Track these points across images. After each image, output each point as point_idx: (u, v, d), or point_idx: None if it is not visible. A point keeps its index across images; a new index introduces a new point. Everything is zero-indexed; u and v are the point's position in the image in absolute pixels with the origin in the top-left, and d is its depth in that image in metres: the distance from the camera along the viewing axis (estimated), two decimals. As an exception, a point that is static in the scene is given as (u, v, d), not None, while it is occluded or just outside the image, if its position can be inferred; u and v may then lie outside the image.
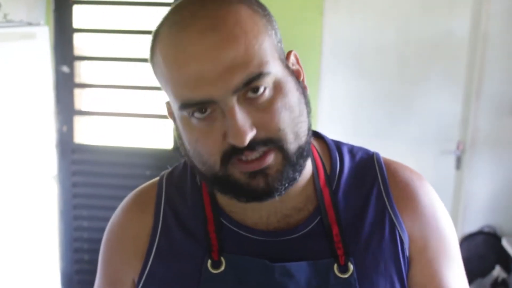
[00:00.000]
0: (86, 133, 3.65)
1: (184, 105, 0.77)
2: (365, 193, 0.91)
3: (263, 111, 0.77)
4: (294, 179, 0.81)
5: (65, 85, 3.47)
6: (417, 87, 3.36)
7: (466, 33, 3.29)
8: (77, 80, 3.52)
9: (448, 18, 3.30)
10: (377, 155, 0.96)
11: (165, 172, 0.99)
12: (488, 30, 3.22)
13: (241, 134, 0.74)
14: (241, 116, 0.75)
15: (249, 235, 0.88)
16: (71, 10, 3.40)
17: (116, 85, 3.57)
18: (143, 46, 3.54)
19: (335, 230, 0.87)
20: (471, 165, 3.38)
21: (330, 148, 0.95)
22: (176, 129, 0.85)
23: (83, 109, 3.59)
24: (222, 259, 0.86)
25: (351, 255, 0.86)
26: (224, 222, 0.89)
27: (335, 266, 0.86)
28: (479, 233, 3.37)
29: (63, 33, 3.42)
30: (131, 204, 0.97)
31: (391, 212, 0.89)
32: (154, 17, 3.51)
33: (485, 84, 3.28)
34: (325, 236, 0.87)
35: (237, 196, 0.82)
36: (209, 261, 0.87)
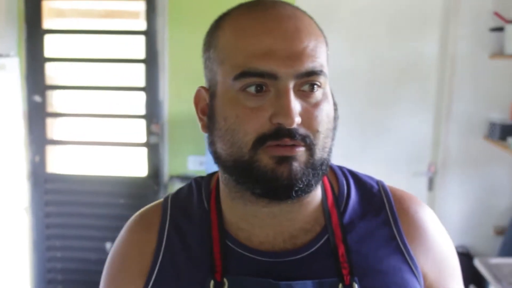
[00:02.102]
0: (58, 162, 3.62)
1: (244, 73, 0.79)
2: (372, 217, 0.92)
3: (310, 108, 0.80)
4: (311, 185, 0.82)
5: (37, 115, 3.45)
6: (388, 109, 3.41)
7: (435, 55, 3.36)
8: (49, 109, 3.50)
9: (418, 41, 3.36)
10: (382, 183, 0.98)
11: (169, 194, 1.00)
12: (456, 52, 3.28)
13: (292, 114, 0.77)
14: (294, 100, 0.78)
15: (254, 256, 0.88)
16: (42, 39, 3.41)
17: (88, 114, 3.56)
18: (114, 74, 3.54)
19: (341, 250, 0.88)
20: (443, 186, 3.42)
21: (336, 173, 0.97)
22: (210, 110, 0.86)
23: (55, 139, 3.56)
24: (225, 280, 0.86)
25: (356, 275, 0.87)
26: (230, 244, 0.89)
27: (340, 285, 0.86)
28: (454, 253, 3.39)
29: (35, 62, 3.41)
30: (135, 224, 0.98)
31: (399, 240, 0.91)
32: (124, 45, 3.53)
33: (455, 106, 3.34)
34: (331, 256, 0.87)
35: (254, 187, 0.82)
36: (212, 282, 0.86)
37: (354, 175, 0.98)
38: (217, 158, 0.86)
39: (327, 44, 0.86)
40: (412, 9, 3.33)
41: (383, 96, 3.40)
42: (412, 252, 0.90)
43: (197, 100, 0.90)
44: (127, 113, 3.57)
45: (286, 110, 0.77)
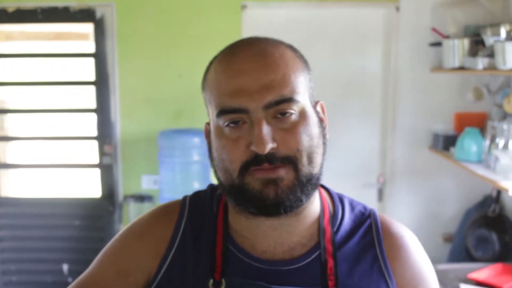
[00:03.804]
0: (11, 186, 3.60)
1: (222, 111, 0.89)
2: (360, 239, 1.01)
3: (286, 131, 0.89)
4: (301, 201, 0.91)
5: (-12, 139, 3.43)
6: (335, 124, 3.49)
7: (378, 70, 3.46)
8: (1, 133, 3.49)
9: (361, 57, 3.46)
10: (373, 210, 1.06)
11: (187, 195, 1.08)
12: (398, 67, 3.40)
13: (263, 142, 0.86)
14: (266, 128, 0.87)
15: (253, 263, 0.97)
16: (-9, 64, 3.39)
17: (41, 137, 3.56)
18: (66, 96, 3.55)
19: (330, 263, 0.97)
20: (392, 196, 3.52)
21: (334, 198, 1.06)
22: (209, 144, 0.97)
23: (7, 162, 3.55)
24: (223, 280, 0.95)
25: (340, 287, 0.96)
26: (232, 249, 0.98)
27: None
28: (404, 261, 3.49)
29: (-16, 86, 3.40)
30: (159, 211, 1.06)
31: (381, 261, 0.99)
32: (74, 67, 3.54)
33: (400, 118, 3.45)
34: (320, 269, 0.96)
35: (248, 207, 0.91)
36: (211, 280, 0.96)
37: (350, 202, 1.08)
38: (219, 184, 0.96)
39: (305, 68, 0.96)
40: (354, 27, 3.43)
41: (330, 111, 3.43)
42: (391, 272, 0.99)
43: (206, 134, 1.00)
44: (79, 135, 3.58)
45: (258, 139, 0.86)
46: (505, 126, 2.85)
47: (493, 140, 2.94)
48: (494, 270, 2.73)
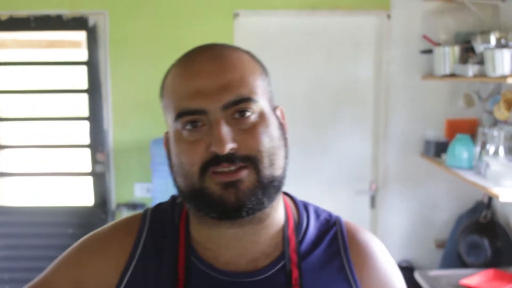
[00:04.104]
0: (4, 195, 3.59)
1: (180, 114, 0.88)
2: (326, 248, 0.99)
3: (246, 131, 0.87)
4: (262, 203, 0.88)
5: (-20, 148, 3.43)
6: (328, 131, 3.51)
7: (370, 78, 3.49)
8: (-7, 141, 3.49)
9: (353, 65, 3.48)
10: (339, 218, 1.05)
11: (149, 207, 1.05)
12: (389, 74, 3.42)
13: (222, 142, 0.84)
14: (225, 128, 0.85)
15: (216, 275, 0.94)
16: (-17, 72, 3.39)
17: (33, 145, 3.55)
18: (58, 104, 3.55)
19: (295, 274, 0.94)
20: (384, 203, 3.54)
21: (298, 206, 1.04)
22: (168, 152, 0.95)
23: (0, 170, 3.54)
24: None
25: None
26: (194, 260, 0.95)
27: None
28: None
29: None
30: (119, 223, 1.03)
31: (347, 270, 0.98)
32: (67, 75, 3.55)
33: (391, 125, 3.47)
34: (285, 280, 0.94)
35: (209, 212, 0.89)
36: None
37: (315, 209, 1.06)
38: (179, 191, 0.93)
39: (263, 73, 0.95)
40: (346, 34, 3.45)
41: (323, 118, 3.50)
42: (358, 281, 0.98)
43: (166, 142, 0.97)
44: (72, 143, 3.58)
45: (217, 139, 0.84)
46: (495, 132, 2.88)
47: (483, 146, 2.96)
48: (486, 276, 2.75)
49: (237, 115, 0.87)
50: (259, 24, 3.41)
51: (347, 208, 3.56)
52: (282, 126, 0.95)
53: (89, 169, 3.48)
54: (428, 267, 3.47)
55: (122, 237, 0.99)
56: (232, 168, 0.86)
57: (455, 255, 3.30)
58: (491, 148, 2.87)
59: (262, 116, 0.89)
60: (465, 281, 2.68)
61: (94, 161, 3.45)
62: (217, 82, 0.87)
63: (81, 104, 3.46)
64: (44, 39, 3.57)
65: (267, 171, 0.87)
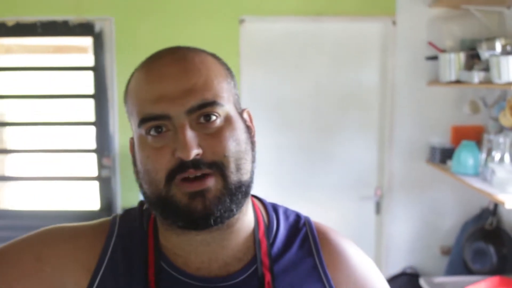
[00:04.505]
0: (10, 198, 3.61)
1: (143, 119, 0.86)
2: (297, 250, 0.98)
3: (212, 136, 0.85)
4: (231, 210, 0.87)
5: (-13, 152, 3.45)
6: (333, 137, 3.51)
7: (375, 84, 3.49)
8: (0, 146, 3.50)
9: (358, 71, 3.48)
10: (308, 218, 1.04)
11: (117, 214, 1.03)
12: (395, 80, 3.42)
13: (187, 148, 0.82)
14: (190, 134, 0.83)
15: (188, 281, 0.92)
16: (-10, 77, 3.41)
17: (39, 149, 3.57)
18: (64, 108, 3.57)
19: (268, 278, 0.93)
20: (389, 209, 3.53)
21: (267, 208, 1.03)
22: (133, 157, 0.92)
23: (7, 175, 3.56)
24: None
25: None
26: (165, 266, 0.93)
27: None
28: (402, 274, 3.49)
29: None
30: (87, 225, 1.00)
31: (320, 270, 0.97)
32: (74, 80, 3.57)
33: (397, 131, 3.46)
34: (258, 283, 0.93)
35: (176, 220, 0.87)
36: None
37: (284, 211, 1.05)
38: (145, 198, 0.91)
39: (228, 75, 0.93)
40: (351, 40, 3.46)
41: (328, 124, 3.51)
42: (332, 281, 0.97)
43: (131, 148, 0.95)
44: (78, 148, 3.59)
45: (182, 145, 0.82)
46: (501, 139, 2.87)
47: (489, 153, 2.96)
48: (492, 283, 2.74)
49: (202, 120, 0.85)
50: (264, 30, 3.42)
51: (352, 214, 3.55)
52: (249, 130, 0.93)
53: (95, 173, 3.49)
54: (433, 274, 3.46)
55: (91, 238, 0.96)
56: (199, 174, 0.84)
57: (461, 262, 3.29)
58: (496, 155, 2.87)
59: (228, 120, 0.88)
60: (470, 288, 2.67)
61: (100, 166, 3.46)
62: (181, 86, 0.85)
63: (87, 109, 3.48)
64: (51, 45, 3.59)
65: (234, 177, 0.86)
